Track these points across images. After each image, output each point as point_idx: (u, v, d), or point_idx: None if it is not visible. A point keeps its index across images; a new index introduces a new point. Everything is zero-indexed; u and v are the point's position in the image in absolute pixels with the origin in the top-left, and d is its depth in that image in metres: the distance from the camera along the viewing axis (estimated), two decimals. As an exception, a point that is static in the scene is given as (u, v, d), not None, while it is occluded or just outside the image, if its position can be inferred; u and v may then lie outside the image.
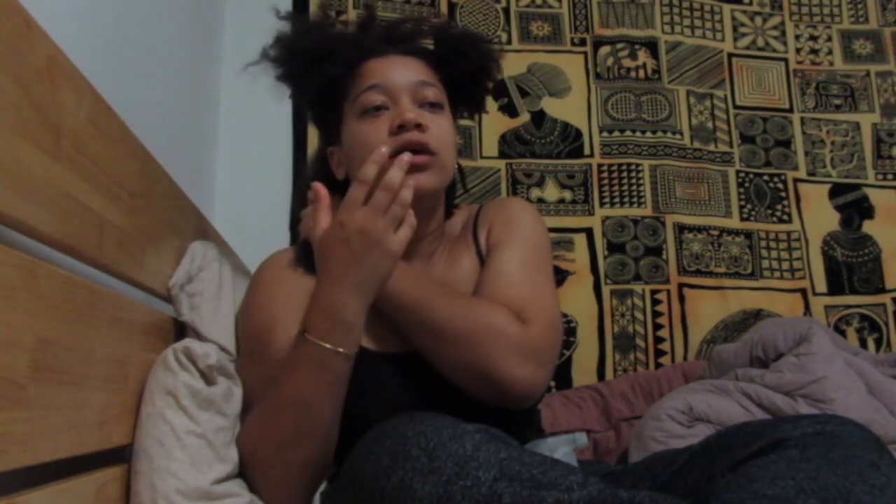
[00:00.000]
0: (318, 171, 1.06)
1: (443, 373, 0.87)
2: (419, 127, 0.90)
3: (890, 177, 2.00)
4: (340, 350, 0.79)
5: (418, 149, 0.89)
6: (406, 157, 0.80)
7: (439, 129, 0.93)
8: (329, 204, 0.85)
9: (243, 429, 0.85)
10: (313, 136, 1.79)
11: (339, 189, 1.02)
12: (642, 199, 1.88)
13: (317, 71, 0.94)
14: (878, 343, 1.87)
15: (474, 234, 1.02)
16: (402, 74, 0.94)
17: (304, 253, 1.01)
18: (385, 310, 0.93)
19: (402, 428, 0.65)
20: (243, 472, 0.84)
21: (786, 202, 1.94)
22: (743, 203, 1.92)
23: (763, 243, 1.90)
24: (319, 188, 0.86)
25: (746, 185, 1.94)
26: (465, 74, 1.01)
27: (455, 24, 1.05)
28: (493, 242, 0.99)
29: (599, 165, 1.89)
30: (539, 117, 1.89)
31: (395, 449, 0.63)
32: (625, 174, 1.89)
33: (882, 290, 1.91)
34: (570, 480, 0.61)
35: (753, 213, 1.92)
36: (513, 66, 1.91)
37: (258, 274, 0.98)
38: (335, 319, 0.79)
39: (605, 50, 1.97)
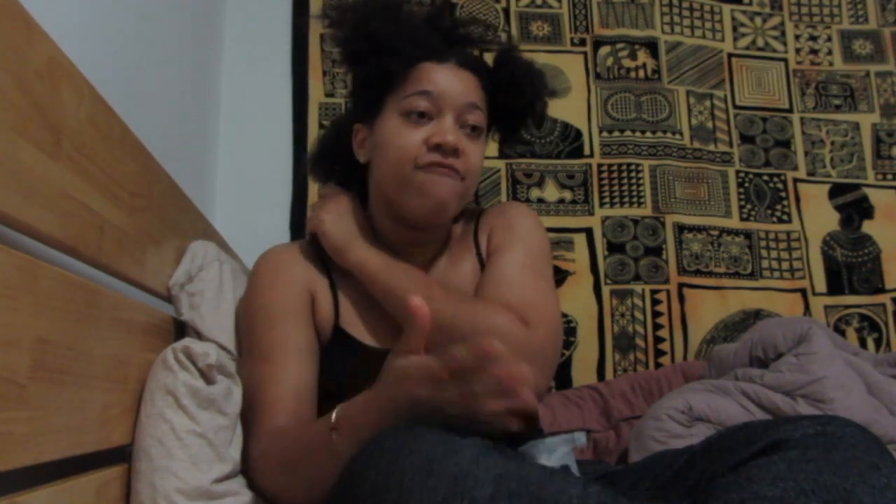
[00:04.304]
0: (338, 139, 1.06)
1: None
2: (455, 151, 0.91)
3: (890, 177, 2.00)
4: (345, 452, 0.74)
5: (449, 169, 0.91)
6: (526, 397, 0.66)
7: (472, 157, 0.94)
8: (425, 333, 0.72)
9: (264, 446, 0.84)
10: (313, 136, 1.79)
11: (345, 166, 1.03)
12: (642, 199, 1.88)
13: (374, 60, 0.93)
14: (878, 343, 1.87)
15: (475, 238, 1.03)
16: (454, 89, 0.94)
17: (310, 246, 1.01)
18: (389, 308, 0.93)
19: (398, 442, 0.64)
20: (251, 472, 0.84)
21: (785, 202, 1.94)
22: (743, 203, 1.92)
23: (763, 243, 1.90)
24: (420, 308, 0.72)
25: (746, 185, 1.94)
26: (512, 107, 1.01)
27: (519, 51, 1.05)
28: (494, 247, 1.00)
29: (599, 165, 1.89)
30: (541, 117, 1.89)
31: (390, 467, 0.62)
32: (625, 174, 1.89)
33: (881, 290, 1.91)
34: (569, 494, 0.60)
35: (753, 213, 1.92)
36: (513, 65, 1.91)
37: (257, 269, 0.98)
38: (363, 436, 0.72)
39: (604, 50, 1.97)
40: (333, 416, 0.76)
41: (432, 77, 0.94)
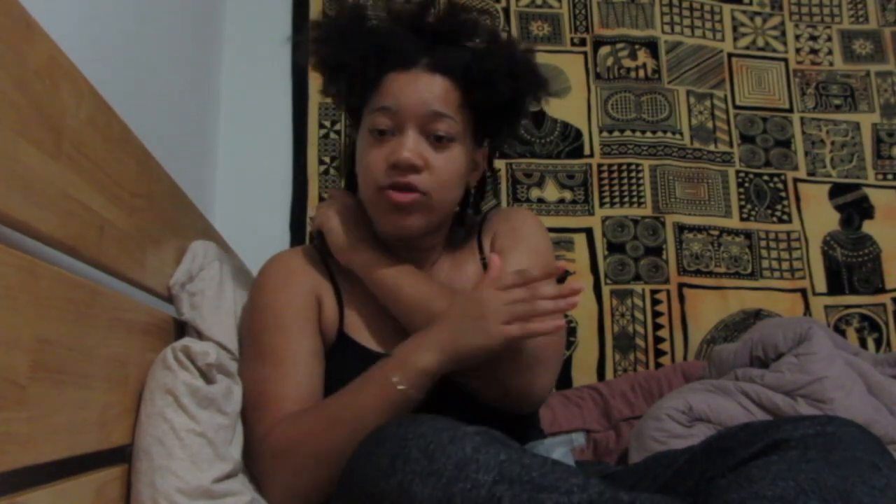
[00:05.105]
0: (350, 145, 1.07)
1: (449, 375, 0.87)
2: (413, 168, 0.89)
3: (890, 177, 2.00)
4: (400, 386, 0.80)
5: (408, 188, 0.90)
6: (572, 300, 0.83)
7: (440, 168, 0.91)
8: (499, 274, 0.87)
9: (284, 428, 0.84)
10: (314, 136, 1.79)
11: (350, 171, 1.03)
12: (642, 199, 1.88)
13: (339, 78, 0.94)
14: (878, 343, 1.87)
15: (479, 242, 1.03)
16: (416, 100, 0.90)
17: (314, 251, 1.02)
18: (393, 311, 0.93)
19: (402, 430, 0.65)
20: (255, 464, 0.84)
21: (786, 202, 1.94)
22: (743, 203, 1.92)
23: (763, 243, 1.90)
24: (496, 258, 0.90)
25: (746, 185, 1.94)
26: (490, 108, 0.96)
27: (502, 41, 0.97)
28: (497, 250, 1.00)
29: (599, 165, 1.89)
30: (539, 117, 1.89)
31: (395, 451, 0.63)
32: (625, 174, 1.89)
33: (882, 290, 1.91)
34: (570, 483, 0.60)
35: (753, 213, 1.92)
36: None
37: (264, 272, 0.99)
38: (410, 359, 0.82)
39: (605, 50, 1.97)
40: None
41: (393, 90, 0.91)
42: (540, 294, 0.81)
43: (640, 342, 1.78)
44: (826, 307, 1.87)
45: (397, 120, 0.91)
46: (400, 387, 0.79)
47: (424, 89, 0.91)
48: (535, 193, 1.85)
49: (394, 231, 0.93)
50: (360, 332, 0.96)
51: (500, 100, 0.95)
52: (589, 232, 1.84)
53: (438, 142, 0.91)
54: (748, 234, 1.90)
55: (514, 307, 0.81)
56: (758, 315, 1.83)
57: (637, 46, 1.99)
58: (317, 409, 0.85)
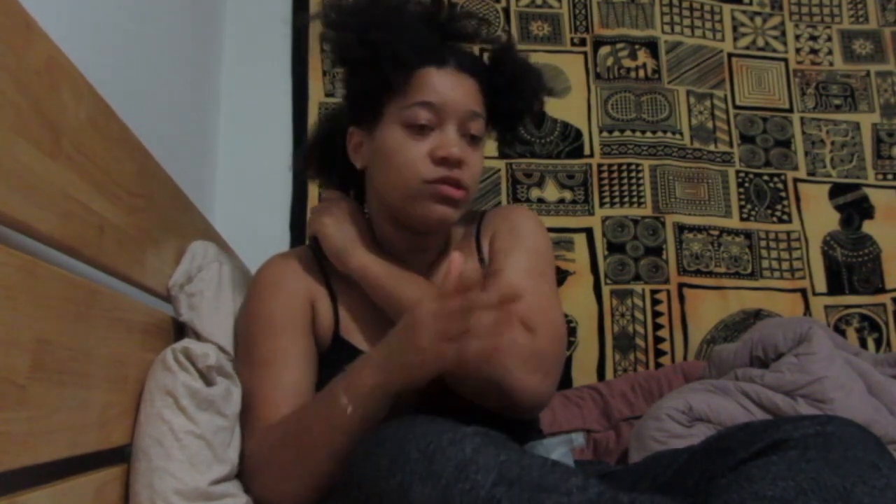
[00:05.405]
0: (332, 139, 1.04)
1: (448, 380, 0.86)
2: (459, 163, 0.90)
3: (890, 177, 2.00)
4: (349, 409, 0.77)
5: (454, 184, 0.90)
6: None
7: (475, 164, 0.93)
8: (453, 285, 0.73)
9: (260, 439, 0.85)
10: (313, 136, 1.79)
11: (341, 167, 1.02)
12: (642, 199, 1.88)
13: (374, 68, 0.91)
14: (878, 343, 1.87)
15: (477, 242, 1.03)
16: (456, 98, 0.91)
17: (310, 253, 1.01)
18: (391, 315, 0.93)
19: (401, 431, 0.65)
20: (246, 473, 0.84)
21: (786, 202, 1.94)
22: (743, 203, 1.92)
23: (763, 243, 1.90)
24: (456, 260, 0.76)
25: (746, 185, 1.94)
26: (510, 109, 1.00)
27: (516, 50, 1.02)
28: (496, 250, 0.99)
29: (599, 165, 1.89)
30: (539, 117, 1.89)
31: (395, 452, 0.63)
32: (625, 174, 1.89)
33: (882, 290, 1.91)
34: (570, 484, 0.60)
35: (753, 213, 1.92)
36: (513, 65, 1.91)
37: (258, 277, 0.98)
38: (356, 379, 0.78)
39: (605, 50, 1.97)
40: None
41: (433, 85, 0.91)
42: (476, 304, 0.70)
43: (640, 342, 1.78)
44: (826, 307, 1.87)
45: (439, 116, 0.91)
46: (348, 409, 0.76)
47: (464, 88, 0.93)
48: (535, 193, 1.85)
49: (430, 224, 0.93)
50: (356, 335, 0.96)
51: (521, 103, 0.99)
52: (589, 232, 1.84)
53: (472, 140, 0.93)
54: (748, 234, 1.90)
55: (445, 322, 0.71)
56: (758, 315, 1.83)
57: (637, 46, 1.99)
58: (284, 423, 0.84)
